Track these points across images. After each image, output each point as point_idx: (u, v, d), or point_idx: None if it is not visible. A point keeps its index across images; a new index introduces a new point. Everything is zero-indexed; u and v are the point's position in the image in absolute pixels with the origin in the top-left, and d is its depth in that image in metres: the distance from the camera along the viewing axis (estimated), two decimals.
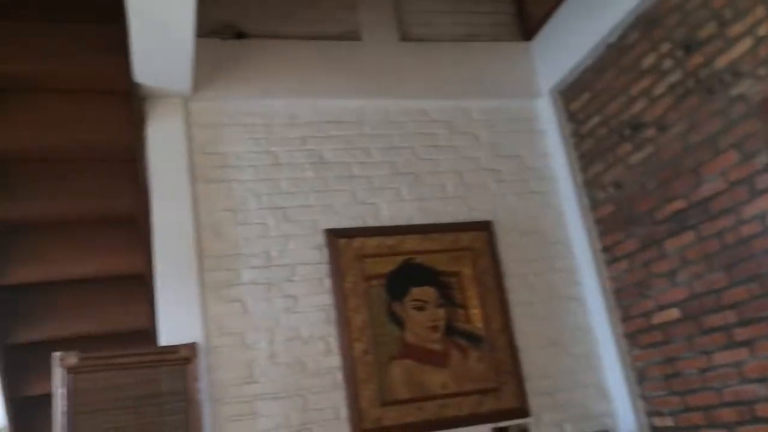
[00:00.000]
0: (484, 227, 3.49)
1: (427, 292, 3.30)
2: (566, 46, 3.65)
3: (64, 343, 3.38)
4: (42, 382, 3.61)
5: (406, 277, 3.29)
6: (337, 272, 3.18)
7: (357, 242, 3.27)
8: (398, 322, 3.22)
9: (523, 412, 3.24)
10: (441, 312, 3.29)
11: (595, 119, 3.54)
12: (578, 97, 3.67)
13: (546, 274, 3.56)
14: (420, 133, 3.61)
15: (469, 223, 3.49)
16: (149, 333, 3.65)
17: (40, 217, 3.38)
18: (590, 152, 3.60)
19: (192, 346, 2.94)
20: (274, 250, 3.20)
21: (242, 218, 3.20)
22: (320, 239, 3.25)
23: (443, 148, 3.63)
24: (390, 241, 3.33)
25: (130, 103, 3.11)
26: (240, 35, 3.43)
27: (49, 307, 3.54)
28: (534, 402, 3.29)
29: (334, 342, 3.13)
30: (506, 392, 3.25)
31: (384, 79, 3.60)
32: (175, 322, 3.02)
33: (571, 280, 3.59)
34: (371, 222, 3.37)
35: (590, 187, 3.61)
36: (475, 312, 3.33)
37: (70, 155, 3.31)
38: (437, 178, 3.56)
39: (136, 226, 3.41)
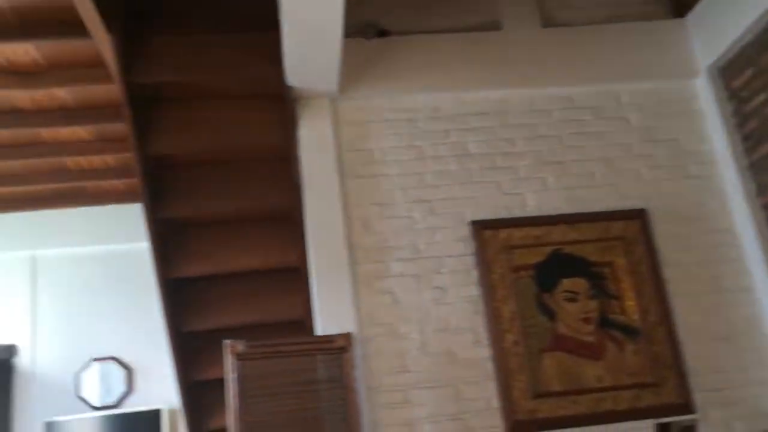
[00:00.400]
0: (638, 215, 3.34)
1: (579, 283, 3.21)
2: (724, 21, 3.39)
3: (230, 332, 3.66)
4: (211, 367, 3.93)
5: (556, 267, 3.22)
6: (484, 263, 3.18)
7: (503, 233, 3.24)
8: (549, 313, 3.16)
9: (687, 408, 3.07)
10: (593, 303, 3.19)
11: (761, 97, 3.27)
12: (740, 74, 3.40)
13: (710, 263, 3.33)
14: (566, 120, 3.51)
15: (621, 211, 3.35)
16: (305, 323, 3.85)
17: (208, 216, 3.67)
18: (756, 133, 3.33)
19: (347, 336, 3.06)
20: (422, 243, 3.25)
21: (390, 212, 3.28)
22: (466, 231, 3.26)
23: (591, 134, 3.51)
24: (537, 231, 3.27)
25: (283, 106, 3.29)
26: (382, 33, 3.51)
27: (217, 298, 3.83)
28: (699, 398, 3.10)
29: (483, 333, 3.13)
30: (667, 387, 3.09)
31: (527, 68, 3.54)
32: (330, 312, 3.15)
33: (738, 269, 3.33)
34: (517, 213, 3.33)
35: (756, 170, 3.34)
36: (631, 304, 3.20)
37: (232, 157, 3.56)
38: (585, 166, 3.45)
39: (291, 222, 3.62)
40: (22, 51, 3.53)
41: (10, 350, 4.98)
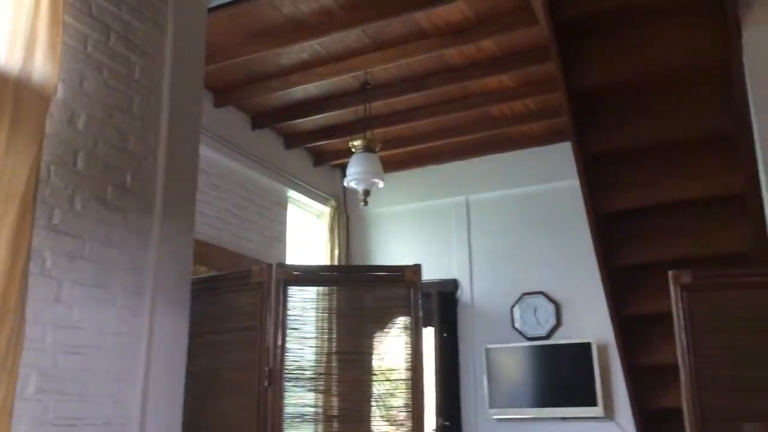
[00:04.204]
0: None
1: None
2: None
3: (665, 266, 3.50)
4: (646, 302, 3.85)
5: None
6: None
7: None
8: None
9: None
10: None
11: None
12: None
13: None
14: None
15: None
16: (751, 256, 3.48)
17: (638, 146, 3.57)
18: None
19: None
20: None
21: None
22: None
23: None
24: None
25: (723, 12, 2.96)
26: None
27: (651, 231, 3.72)
28: None
29: None
30: None
31: None
32: None
33: None
34: None
35: None
36: None
37: (661, 81, 3.39)
38: None
39: (730, 145, 3.27)
40: (457, 10, 3.89)
41: (454, 284, 5.66)
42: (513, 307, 5.42)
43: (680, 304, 2.82)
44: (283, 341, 2.64)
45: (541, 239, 5.40)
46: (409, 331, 2.73)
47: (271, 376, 2.62)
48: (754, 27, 2.97)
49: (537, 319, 5.31)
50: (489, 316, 5.50)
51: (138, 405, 2.30)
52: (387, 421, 2.86)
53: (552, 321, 5.26)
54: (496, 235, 5.62)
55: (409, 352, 2.70)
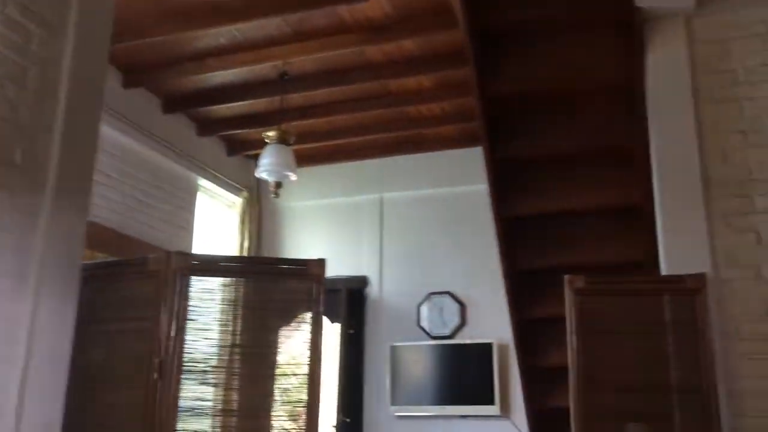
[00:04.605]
0: None
1: None
2: None
3: (565, 272, 3.63)
4: (544, 306, 3.98)
5: None
6: None
7: None
8: None
9: None
10: None
11: None
12: None
13: None
14: None
15: None
16: (645, 266, 3.66)
17: (545, 154, 3.68)
18: None
19: (700, 277, 2.81)
20: None
21: (755, 140, 2.89)
22: None
23: None
24: None
25: (630, 31, 3.10)
26: None
27: (553, 237, 3.84)
28: None
29: None
30: None
31: None
32: (679, 253, 2.94)
33: None
34: None
35: None
36: None
37: (571, 93, 3.51)
38: None
39: (631, 158, 3.43)
40: (378, 6, 3.89)
41: (364, 281, 5.67)
42: (420, 305, 5.49)
43: (573, 308, 2.92)
44: (177, 333, 2.56)
45: (451, 240, 5.49)
46: (310, 326, 2.70)
47: (162, 368, 2.53)
48: (657, 49, 3.12)
49: (442, 319, 5.40)
50: (396, 314, 5.55)
51: (15, 394, 2.17)
52: (287, 416, 2.83)
53: (456, 321, 5.36)
54: (408, 234, 5.68)
55: (308, 347, 2.67)
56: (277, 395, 2.80)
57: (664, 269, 3.00)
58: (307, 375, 2.66)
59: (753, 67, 2.97)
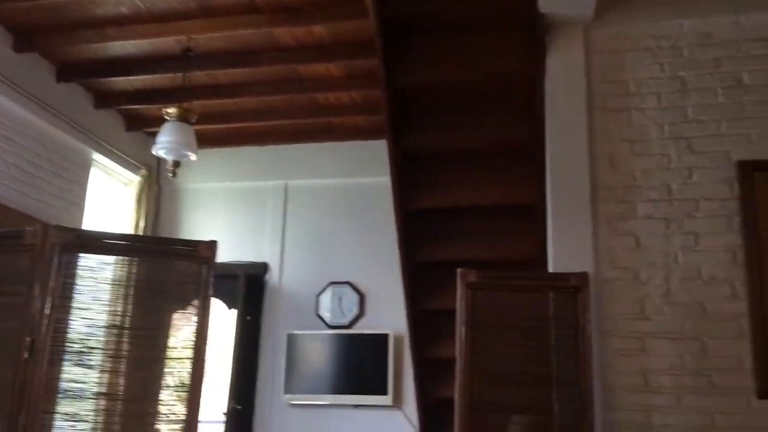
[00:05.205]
0: None
1: None
2: None
3: (461, 266, 3.70)
4: (440, 298, 4.04)
5: None
6: (751, 210, 2.84)
7: None
8: None
9: None
10: None
11: None
12: None
13: None
14: None
15: None
16: (537, 264, 3.78)
17: (448, 150, 3.74)
18: None
19: (583, 276, 2.93)
20: (675, 184, 2.99)
21: (641, 149, 3.06)
22: (731, 172, 2.93)
23: None
24: None
25: (533, 35, 3.19)
26: None
27: (451, 231, 3.90)
28: None
29: (740, 286, 2.83)
30: None
31: None
32: (566, 252, 3.06)
33: None
34: None
35: None
36: None
37: (475, 91, 3.56)
38: None
39: (531, 157, 3.53)
40: None
41: (264, 268, 5.58)
42: (319, 295, 5.46)
43: (464, 301, 2.97)
44: (52, 311, 2.42)
45: (354, 231, 5.49)
46: (197, 310, 2.63)
47: (33, 347, 2.39)
48: (558, 54, 3.22)
49: (341, 309, 5.40)
50: (295, 302, 5.50)
51: None
52: (174, 400, 2.74)
53: (355, 311, 5.37)
54: (311, 222, 5.63)
55: (194, 331, 2.60)
56: (166, 379, 2.71)
57: (552, 267, 3.11)
58: (191, 359, 2.58)
59: (642, 79, 3.13)
